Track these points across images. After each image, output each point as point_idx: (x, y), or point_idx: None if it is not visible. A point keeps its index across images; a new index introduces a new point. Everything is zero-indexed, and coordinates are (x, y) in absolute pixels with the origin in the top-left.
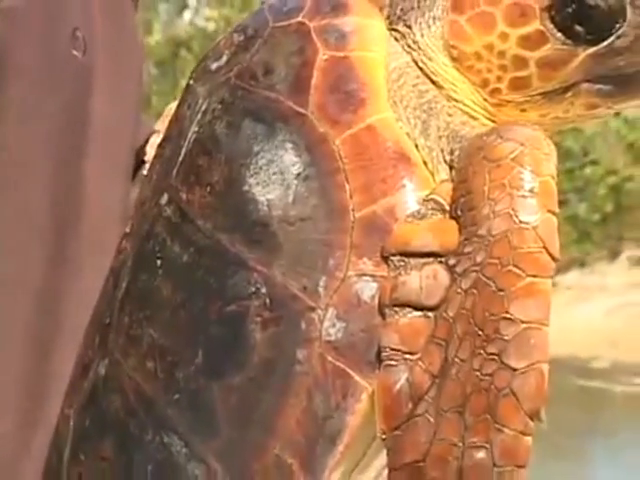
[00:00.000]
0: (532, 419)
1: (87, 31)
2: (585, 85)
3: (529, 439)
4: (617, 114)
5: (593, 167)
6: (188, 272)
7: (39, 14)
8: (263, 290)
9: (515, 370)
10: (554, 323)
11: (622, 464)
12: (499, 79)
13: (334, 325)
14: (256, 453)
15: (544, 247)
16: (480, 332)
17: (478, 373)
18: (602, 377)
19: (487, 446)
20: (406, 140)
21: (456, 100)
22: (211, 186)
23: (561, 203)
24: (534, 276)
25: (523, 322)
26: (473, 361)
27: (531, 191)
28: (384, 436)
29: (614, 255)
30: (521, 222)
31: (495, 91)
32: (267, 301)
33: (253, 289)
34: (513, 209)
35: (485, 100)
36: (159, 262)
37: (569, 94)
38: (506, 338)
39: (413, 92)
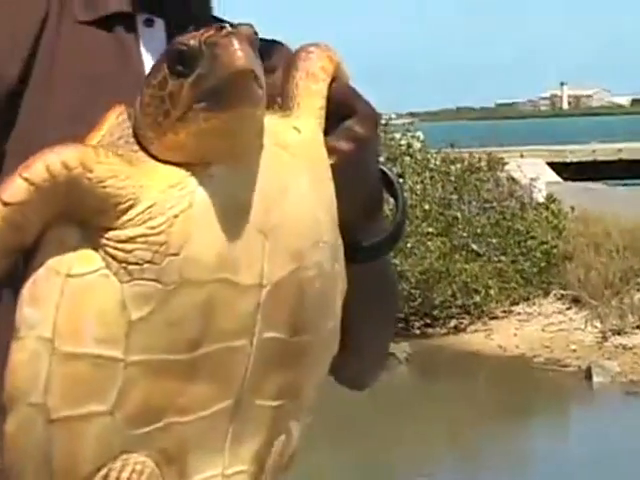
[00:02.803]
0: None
1: None
2: (197, 105)
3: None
4: (547, 207)
5: (532, 240)
6: None
7: None
8: None
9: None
10: (512, 336)
11: (556, 423)
12: (157, 115)
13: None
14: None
15: (26, 179)
16: None
17: None
18: (540, 368)
19: None
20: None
21: (143, 138)
22: None
23: (513, 262)
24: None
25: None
26: None
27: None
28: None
29: (546, 294)
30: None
31: (158, 125)
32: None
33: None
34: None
35: (155, 132)
36: None
37: (191, 113)
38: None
39: (117, 141)
